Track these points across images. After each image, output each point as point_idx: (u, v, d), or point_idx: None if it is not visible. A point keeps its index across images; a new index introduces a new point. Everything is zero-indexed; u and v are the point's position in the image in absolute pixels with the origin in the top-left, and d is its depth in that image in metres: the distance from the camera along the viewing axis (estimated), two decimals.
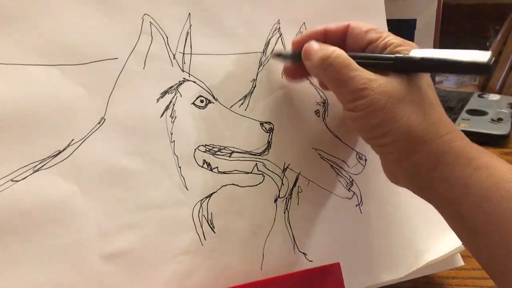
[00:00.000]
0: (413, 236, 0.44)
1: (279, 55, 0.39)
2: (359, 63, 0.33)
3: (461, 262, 0.45)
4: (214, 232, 0.36)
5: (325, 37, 0.37)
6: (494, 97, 1.07)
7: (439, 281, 0.47)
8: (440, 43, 0.58)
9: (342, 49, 0.35)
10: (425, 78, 0.34)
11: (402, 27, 0.54)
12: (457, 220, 0.32)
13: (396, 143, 0.33)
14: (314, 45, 0.35)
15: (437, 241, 0.44)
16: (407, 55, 0.33)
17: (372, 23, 0.36)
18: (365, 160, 0.43)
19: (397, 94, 0.32)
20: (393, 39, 0.35)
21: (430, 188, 0.33)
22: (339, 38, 0.37)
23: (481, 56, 0.29)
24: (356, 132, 0.36)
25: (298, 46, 0.37)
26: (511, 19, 1.50)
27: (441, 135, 0.32)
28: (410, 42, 0.35)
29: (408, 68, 0.33)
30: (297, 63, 0.38)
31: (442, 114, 0.33)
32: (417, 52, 0.32)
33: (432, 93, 0.34)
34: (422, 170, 0.33)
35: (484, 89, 1.36)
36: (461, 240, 0.33)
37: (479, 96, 1.09)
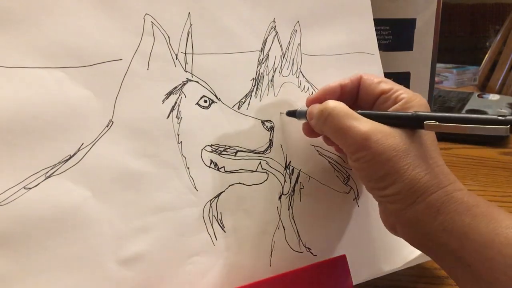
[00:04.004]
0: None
1: (292, 114, 0.40)
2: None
3: None
4: (225, 232, 0.37)
5: (341, 91, 0.38)
6: (493, 97, 1.08)
7: (439, 281, 0.47)
8: (440, 43, 0.58)
9: (356, 100, 0.37)
10: (429, 133, 0.34)
11: (402, 27, 0.55)
12: (461, 268, 0.31)
13: (398, 195, 0.33)
14: (316, 106, 0.36)
15: None
16: (428, 114, 0.33)
17: (360, 21, 0.37)
18: None
19: (401, 147, 0.32)
20: (404, 92, 0.35)
21: (430, 238, 0.33)
22: (354, 91, 0.38)
23: (500, 130, 0.29)
24: (360, 180, 0.36)
25: (313, 103, 0.38)
26: (511, 19, 1.51)
27: (443, 186, 0.32)
28: (418, 94, 0.36)
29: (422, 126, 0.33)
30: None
31: (444, 167, 0.34)
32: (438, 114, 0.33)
33: (435, 148, 0.34)
34: (423, 220, 0.32)
35: (483, 89, 1.36)
36: None
37: (479, 96, 1.09)
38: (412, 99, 0.35)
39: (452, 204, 0.31)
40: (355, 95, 0.39)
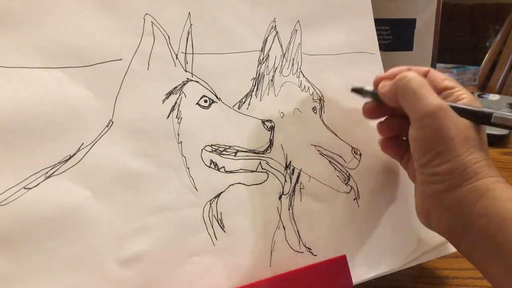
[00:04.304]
0: (408, 227, 0.45)
1: (359, 91, 0.41)
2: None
3: (452, 249, 0.46)
4: (225, 232, 0.37)
5: None
6: (494, 97, 1.08)
7: (439, 281, 0.47)
8: (440, 43, 0.58)
9: None
10: (484, 129, 0.36)
11: (402, 27, 0.55)
12: (495, 257, 0.31)
13: (449, 175, 0.33)
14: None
15: (428, 230, 0.44)
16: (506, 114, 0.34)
17: (360, 21, 0.38)
18: (360, 154, 0.43)
19: (465, 133, 0.33)
20: (465, 93, 0.37)
21: (467, 223, 0.33)
22: None
23: None
24: (412, 151, 0.36)
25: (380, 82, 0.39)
26: (511, 19, 1.51)
27: (488, 176, 0.33)
28: (476, 100, 0.37)
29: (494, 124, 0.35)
30: (377, 102, 0.41)
31: (491, 163, 0.34)
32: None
33: (486, 144, 0.35)
34: (463, 204, 0.33)
35: (483, 89, 1.36)
36: (495, 281, 0.32)
37: (479, 96, 1.09)
38: (473, 101, 0.36)
39: (497, 191, 0.32)
40: None
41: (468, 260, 0.34)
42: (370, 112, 0.42)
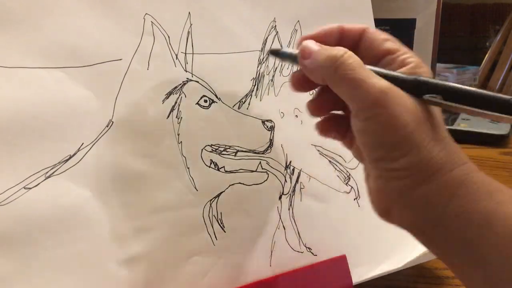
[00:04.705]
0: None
1: (276, 53, 0.34)
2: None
3: None
4: (225, 232, 0.37)
5: (340, 36, 0.33)
6: None
7: (439, 281, 0.47)
8: (440, 43, 0.58)
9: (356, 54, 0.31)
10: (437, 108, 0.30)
11: (402, 27, 0.55)
12: (473, 263, 0.27)
13: (410, 169, 0.28)
14: (314, 45, 0.31)
15: None
16: (457, 86, 0.29)
17: (360, 21, 0.36)
18: None
19: (419, 114, 0.28)
20: (412, 56, 0.31)
21: (438, 224, 0.28)
22: (354, 41, 0.33)
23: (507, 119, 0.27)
24: (359, 145, 0.30)
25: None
26: (511, 19, 1.51)
27: (458, 164, 0.28)
28: (426, 64, 0.32)
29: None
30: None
31: (455, 144, 0.30)
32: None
33: (442, 121, 0.30)
34: (434, 203, 0.28)
35: (484, 89, 1.36)
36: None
37: None
38: (420, 65, 0.30)
39: (472, 186, 0.27)
40: (355, 48, 0.33)
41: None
42: (299, 83, 0.33)
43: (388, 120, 0.27)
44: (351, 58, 0.29)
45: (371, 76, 0.28)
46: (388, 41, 0.32)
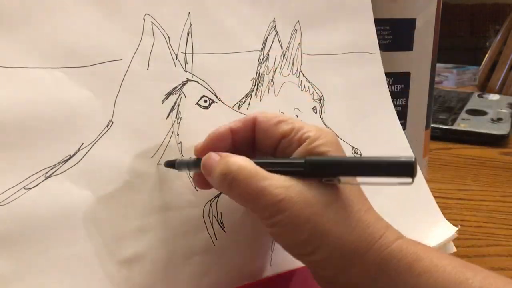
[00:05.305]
0: (406, 226, 0.44)
1: (172, 165, 0.34)
2: (269, 171, 0.29)
3: (453, 249, 0.46)
4: (225, 232, 0.37)
5: (232, 137, 0.33)
6: (493, 97, 1.08)
7: None
8: (440, 43, 0.58)
9: (252, 147, 0.32)
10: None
11: (402, 27, 0.55)
12: None
13: (328, 260, 0.29)
14: (214, 157, 0.31)
15: (430, 229, 0.44)
16: (318, 159, 0.29)
17: (360, 21, 0.36)
18: (360, 154, 0.43)
19: (320, 202, 0.28)
20: (308, 131, 0.31)
21: None
22: (248, 135, 0.33)
23: (405, 157, 0.26)
24: (283, 248, 0.31)
25: (202, 153, 0.33)
26: (511, 19, 1.51)
27: (375, 240, 0.28)
28: (325, 130, 0.32)
29: (320, 173, 0.29)
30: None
31: (371, 214, 0.30)
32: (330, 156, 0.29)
33: (358, 190, 0.30)
34: (363, 285, 0.29)
35: (483, 89, 1.36)
36: None
37: (479, 96, 1.09)
38: (317, 137, 0.30)
39: (390, 263, 0.28)
40: (251, 139, 0.34)
41: None
42: (204, 184, 0.33)
43: (290, 222, 0.28)
44: (243, 169, 0.29)
45: (264, 184, 0.28)
46: (280, 124, 0.32)
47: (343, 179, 0.29)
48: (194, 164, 0.33)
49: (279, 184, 0.28)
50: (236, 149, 0.33)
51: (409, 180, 0.26)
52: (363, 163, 0.28)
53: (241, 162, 0.30)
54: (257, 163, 0.30)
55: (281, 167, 0.30)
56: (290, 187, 0.28)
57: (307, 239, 0.28)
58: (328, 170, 0.29)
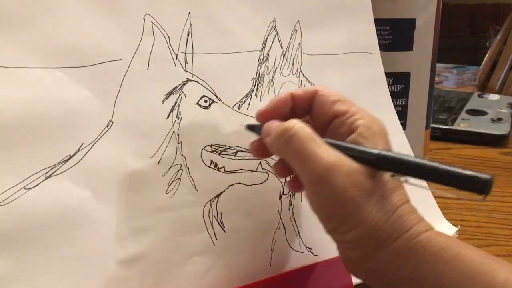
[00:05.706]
0: None
1: (252, 128, 0.36)
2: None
3: None
4: (225, 232, 0.37)
5: (292, 103, 0.34)
6: (493, 97, 1.08)
7: None
8: (440, 43, 0.58)
9: (310, 118, 0.33)
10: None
11: (402, 27, 0.55)
12: None
13: (359, 242, 0.29)
14: (274, 122, 0.32)
15: None
16: (393, 156, 0.29)
17: (360, 21, 0.36)
18: None
19: (366, 186, 0.29)
20: (361, 118, 0.32)
21: None
22: (307, 105, 0.34)
23: (482, 174, 0.26)
24: (318, 218, 0.32)
25: (265, 117, 0.34)
26: (511, 19, 1.51)
27: (406, 229, 0.29)
28: (377, 120, 0.32)
29: (391, 169, 0.29)
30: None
31: (408, 207, 0.30)
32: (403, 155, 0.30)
33: (396, 182, 0.31)
34: (389, 271, 0.29)
35: (484, 89, 1.36)
36: None
37: (479, 96, 1.09)
38: (369, 127, 0.31)
39: (419, 250, 0.28)
40: (309, 111, 0.35)
41: None
42: (261, 152, 0.35)
43: (334, 195, 0.29)
44: (300, 131, 0.30)
45: (319, 150, 0.29)
46: (337, 103, 0.33)
47: (411, 179, 0.29)
48: (257, 129, 0.35)
49: (331, 155, 0.29)
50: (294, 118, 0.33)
51: (480, 197, 0.26)
52: (438, 170, 0.28)
53: (301, 124, 0.31)
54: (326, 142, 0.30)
55: (351, 152, 0.30)
56: (342, 161, 0.29)
57: (345, 217, 0.29)
58: (400, 169, 0.29)
